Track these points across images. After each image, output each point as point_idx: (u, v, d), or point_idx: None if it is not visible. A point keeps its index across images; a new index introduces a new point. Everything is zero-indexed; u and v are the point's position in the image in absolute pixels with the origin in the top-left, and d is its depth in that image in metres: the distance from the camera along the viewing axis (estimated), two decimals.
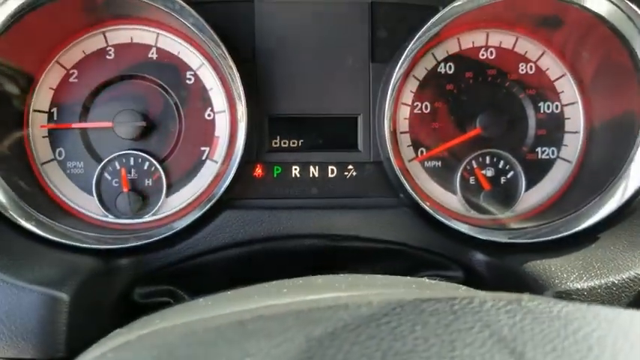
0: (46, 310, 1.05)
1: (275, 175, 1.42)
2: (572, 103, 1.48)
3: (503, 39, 1.47)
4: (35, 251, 1.20)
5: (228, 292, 0.94)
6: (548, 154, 1.48)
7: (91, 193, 1.38)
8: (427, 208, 1.34)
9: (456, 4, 1.30)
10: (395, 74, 1.33)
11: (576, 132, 1.48)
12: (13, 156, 1.33)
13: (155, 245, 1.31)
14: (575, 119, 1.48)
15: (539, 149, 1.48)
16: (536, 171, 1.47)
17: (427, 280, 0.96)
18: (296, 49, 1.41)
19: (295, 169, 1.42)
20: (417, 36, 1.32)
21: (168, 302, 1.32)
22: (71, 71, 1.39)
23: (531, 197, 1.47)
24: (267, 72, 1.41)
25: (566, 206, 1.42)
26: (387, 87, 1.36)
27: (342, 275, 0.97)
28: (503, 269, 1.31)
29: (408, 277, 1.00)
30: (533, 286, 1.20)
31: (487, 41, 1.47)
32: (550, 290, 1.16)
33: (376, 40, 1.43)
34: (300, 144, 1.43)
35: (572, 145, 1.48)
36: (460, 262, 1.37)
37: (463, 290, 0.87)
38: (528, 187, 1.46)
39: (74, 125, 1.38)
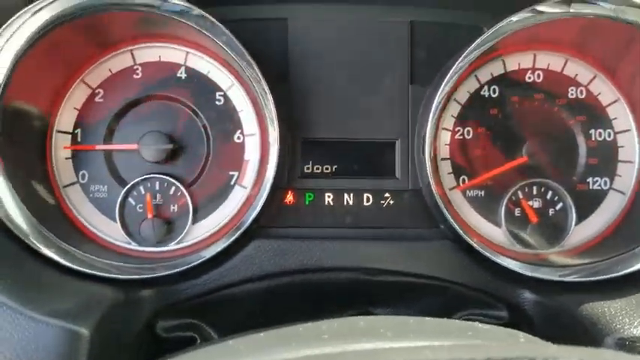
0: (65, 347, 0.97)
1: (307, 203, 1.34)
2: (626, 131, 1.38)
3: (551, 61, 1.38)
4: (54, 280, 1.13)
5: (262, 335, 0.85)
6: (600, 185, 1.38)
7: (114, 219, 1.31)
8: (471, 242, 1.25)
9: (502, 24, 1.22)
10: (437, 97, 1.25)
11: (630, 161, 1.37)
12: (34, 178, 1.27)
13: (180, 276, 1.23)
14: (630, 147, 1.38)
15: (590, 179, 1.37)
16: (587, 203, 1.37)
17: (481, 326, 0.86)
18: (331, 69, 1.34)
19: (328, 196, 1.34)
20: (461, 57, 1.24)
21: (192, 337, 1.24)
22: (97, 90, 1.33)
23: (581, 231, 1.36)
24: (300, 93, 1.33)
25: (619, 242, 1.31)
26: (428, 111, 1.28)
27: (385, 318, 0.88)
28: (555, 310, 1.20)
29: (459, 322, 0.90)
30: (591, 330, 1.10)
31: (534, 63, 1.38)
32: (611, 336, 1.06)
33: (416, 61, 1.36)
34: (333, 170, 1.35)
35: (626, 175, 1.37)
36: (505, 301, 1.27)
37: (537, 345, 0.77)
38: (578, 220, 1.36)
39: (99, 147, 1.32)
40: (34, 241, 1.16)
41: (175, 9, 1.19)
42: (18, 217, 1.16)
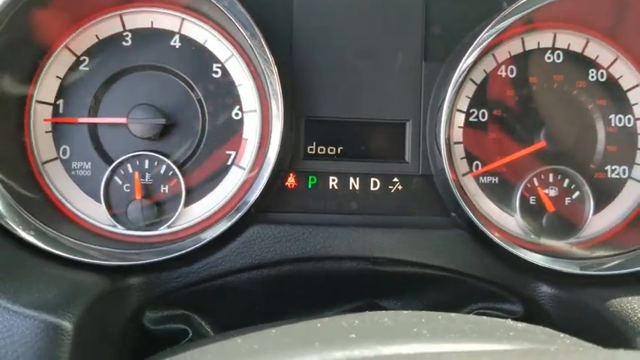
0: (45, 341, 0.85)
1: (310, 186, 1.24)
2: None
3: (572, 41, 1.30)
4: (34, 267, 1.01)
5: (274, 332, 0.75)
6: (618, 174, 1.30)
7: (98, 199, 1.20)
8: (486, 231, 1.16)
9: (522, 2, 1.13)
10: (456, 75, 1.15)
11: None
12: (10, 154, 1.15)
13: (171, 263, 1.12)
14: None
15: (608, 167, 1.30)
16: (605, 192, 1.30)
17: (519, 325, 0.78)
18: (339, 44, 1.24)
19: (333, 180, 1.24)
20: (482, 35, 1.14)
21: (183, 330, 1.13)
22: (82, 58, 1.21)
23: (599, 222, 1.29)
24: (305, 69, 1.23)
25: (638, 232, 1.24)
26: (443, 90, 1.19)
27: (407, 314, 0.79)
28: (575, 305, 1.13)
29: (496, 320, 0.81)
30: (620, 328, 1.02)
31: (554, 42, 1.29)
32: None
33: (430, 36, 1.26)
34: (339, 152, 1.25)
35: None
36: (520, 294, 1.19)
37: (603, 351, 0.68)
38: (596, 210, 1.28)
39: (83, 120, 1.20)
40: (10, 222, 1.04)
41: None
42: None
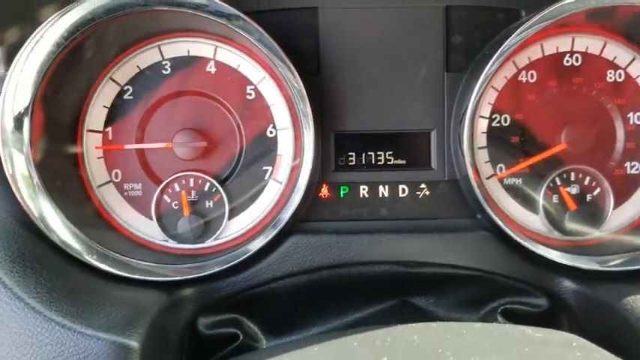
0: None
1: (342, 196, 1.33)
2: None
3: (589, 43, 1.34)
4: (99, 289, 1.13)
5: (315, 349, 0.85)
6: (638, 169, 1.35)
7: (150, 217, 1.30)
8: (510, 232, 1.24)
9: (545, 12, 1.17)
10: (478, 85, 1.21)
11: None
12: (68, 182, 1.26)
13: (220, 274, 1.23)
14: None
15: (627, 164, 1.35)
16: (625, 188, 1.35)
17: (536, 335, 0.86)
18: (364, 59, 1.30)
19: (363, 189, 1.33)
20: (504, 45, 1.19)
21: (234, 334, 1.25)
22: (125, 87, 1.31)
23: (619, 216, 1.35)
24: (332, 85, 1.31)
25: None
26: (465, 99, 1.25)
27: (438, 329, 0.88)
28: (596, 301, 1.20)
29: (516, 332, 0.90)
30: (633, 324, 1.09)
31: (572, 46, 1.34)
32: None
33: (451, 47, 1.32)
34: (368, 162, 1.34)
35: None
36: (544, 290, 1.27)
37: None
38: (616, 205, 1.34)
39: (130, 146, 1.30)
40: (76, 249, 1.16)
41: (210, 9, 1.15)
42: (58, 225, 1.15)
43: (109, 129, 1.31)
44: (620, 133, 1.34)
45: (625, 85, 1.34)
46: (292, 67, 1.19)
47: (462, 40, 1.32)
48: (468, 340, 0.82)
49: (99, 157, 1.31)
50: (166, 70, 1.31)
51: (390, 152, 1.33)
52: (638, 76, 1.34)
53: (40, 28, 1.14)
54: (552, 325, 1.25)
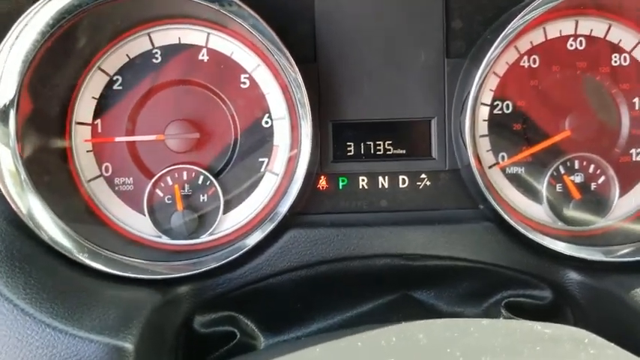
0: None
1: (341, 187, 1.29)
2: None
3: (594, 26, 1.30)
4: (90, 288, 1.09)
5: (317, 350, 0.81)
6: None
7: (142, 212, 1.26)
8: (512, 222, 1.20)
9: None
10: (480, 70, 1.17)
11: None
12: (57, 177, 1.21)
13: (215, 271, 1.19)
14: None
15: (633, 151, 1.32)
16: (630, 175, 1.32)
17: (546, 331, 0.83)
18: (361, 48, 1.26)
19: (363, 179, 1.29)
20: (506, 29, 1.15)
21: (231, 332, 1.22)
22: (114, 78, 1.26)
23: (625, 205, 1.32)
24: (330, 73, 1.26)
25: None
26: (466, 85, 1.21)
27: (444, 326, 0.85)
28: (602, 292, 1.18)
29: (525, 328, 0.86)
30: None
31: (576, 29, 1.30)
32: None
33: (451, 32, 1.27)
34: (367, 152, 1.29)
35: None
36: (549, 282, 1.24)
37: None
38: (621, 193, 1.31)
39: (120, 139, 1.25)
40: (66, 247, 1.11)
41: None
42: (47, 222, 1.11)
43: (99, 121, 1.26)
44: (626, 119, 1.31)
45: (630, 70, 1.30)
46: (288, 54, 1.15)
47: (462, 25, 1.28)
48: (476, 339, 0.79)
49: (88, 151, 1.26)
50: (157, 58, 1.26)
51: (390, 142, 1.29)
52: None
53: (24, 15, 1.08)
54: (558, 318, 1.24)
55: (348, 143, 1.29)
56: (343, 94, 1.27)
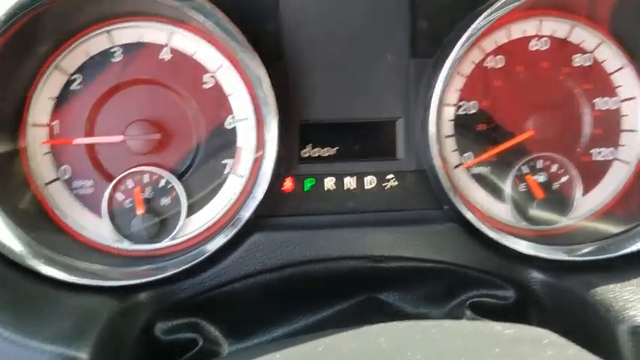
0: None
1: (307, 189, 1.28)
2: (631, 99, 1.33)
3: (557, 27, 1.31)
4: (44, 297, 1.05)
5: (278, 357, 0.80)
6: (604, 156, 1.34)
7: (101, 216, 1.22)
8: (475, 222, 1.21)
9: None
10: (444, 70, 1.17)
11: (634, 130, 1.33)
12: (11, 181, 1.17)
13: (177, 276, 1.16)
14: (633, 116, 1.33)
15: (594, 150, 1.33)
16: (592, 174, 1.34)
17: (506, 332, 0.83)
18: (327, 47, 1.25)
19: (329, 181, 1.28)
20: (470, 29, 1.15)
21: (193, 339, 1.19)
22: (73, 77, 1.22)
23: (587, 203, 1.34)
24: (295, 74, 1.24)
25: (627, 213, 1.29)
26: (432, 86, 1.21)
27: (403, 329, 0.84)
28: (564, 291, 1.19)
29: (486, 330, 0.86)
30: (603, 315, 1.07)
31: (540, 30, 1.30)
32: (625, 324, 1.03)
33: (417, 32, 1.27)
34: (333, 153, 1.28)
35: (630, 144, 1.34)
36: (513, 281, 1.25)
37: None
38: (583, 192, 1.32)
39: (78, 141, 1.21)
40: (19, 254, 1.07)
41: None
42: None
43: (56, 122, 1.22)
44: (587, 119, 1.32)
45: (592, 70, 1.32)
46: (253, 52, 1.13)
47: (428, 25, 1.27)
48: (437, 341, 0.78)
49: (45, 153, 1.22)
50: (117, 57, 1.22)
51: (357, 142, 1.28)
52: (604, 61, 1.32)
53: None
54: (522, 318, 1.24)
55: (315, 144, 1.27)
56: (309, 94, 1.25)
